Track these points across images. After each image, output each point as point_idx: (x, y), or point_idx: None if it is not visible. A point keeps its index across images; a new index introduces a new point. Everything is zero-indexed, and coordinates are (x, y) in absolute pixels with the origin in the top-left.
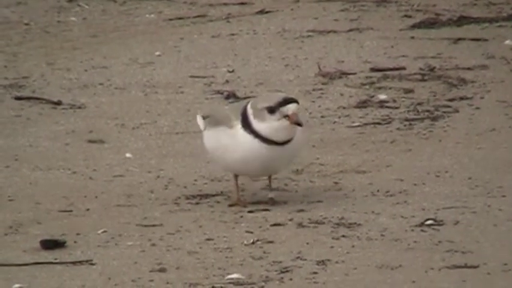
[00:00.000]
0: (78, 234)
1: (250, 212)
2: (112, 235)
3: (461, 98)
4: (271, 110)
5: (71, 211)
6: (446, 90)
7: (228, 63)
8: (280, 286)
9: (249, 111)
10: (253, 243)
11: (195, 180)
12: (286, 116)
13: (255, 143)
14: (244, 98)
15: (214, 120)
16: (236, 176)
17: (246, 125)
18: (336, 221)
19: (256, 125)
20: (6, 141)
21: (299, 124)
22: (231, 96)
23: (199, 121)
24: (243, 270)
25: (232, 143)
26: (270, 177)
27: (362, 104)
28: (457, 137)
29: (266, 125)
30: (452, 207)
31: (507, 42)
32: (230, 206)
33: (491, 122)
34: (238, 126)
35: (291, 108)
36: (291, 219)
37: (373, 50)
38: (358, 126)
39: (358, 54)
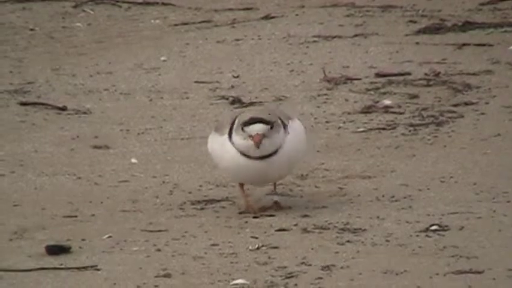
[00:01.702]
0: (83, 239)
1: (255, 217)
2: (117, 240)
3: (466, 104)
4: (242, 128)
5: (76, 216)
6: (451, 96)
7: (233, 68)
8: None
9: (236, 122)
10: (258, 248)
11: (200, 185)
12: (250, 136)
13: (237, 155)
14: (249, 104)
15: (216, 125)
16: (241, 184)
17: (230, 136)
18: (340, 226)
19: (234, 138)
20: (12, 146)
21: (257, 146)
22: (236, 101)
23: None
24: (248, 275)
25: (220, 151)
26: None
27: (367, 110)
28: (461, 143)
29: (238, 142)
30: (457, 213)
31: None
32: (240, 213)
33: (496, 127)
34: (226, 135)
35: (254, 129)
36: (295, 225)
37: (378, 56)
38: (363, 131)
39: (363, 60)
